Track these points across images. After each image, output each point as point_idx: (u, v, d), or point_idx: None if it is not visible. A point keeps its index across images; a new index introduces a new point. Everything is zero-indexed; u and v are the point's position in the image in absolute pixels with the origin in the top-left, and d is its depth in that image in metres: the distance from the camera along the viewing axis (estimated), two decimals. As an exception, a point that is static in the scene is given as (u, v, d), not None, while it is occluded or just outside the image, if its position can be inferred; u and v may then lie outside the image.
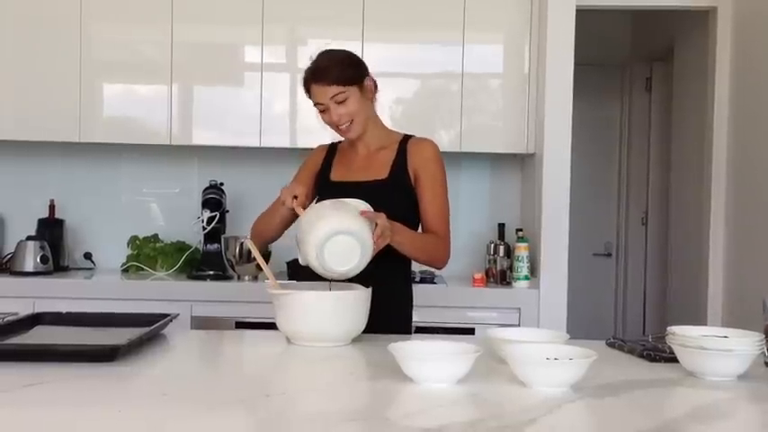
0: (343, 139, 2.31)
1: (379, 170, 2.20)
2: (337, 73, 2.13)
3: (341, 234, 1.86)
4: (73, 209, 3.74)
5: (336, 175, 2.25)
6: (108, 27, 3.51)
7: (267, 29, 3.45)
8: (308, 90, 2.17)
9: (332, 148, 2.34)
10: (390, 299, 2.14)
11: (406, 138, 2.26)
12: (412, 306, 2.27)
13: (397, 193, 2.17)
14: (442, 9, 3.46)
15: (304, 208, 2.03)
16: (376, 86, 2.22)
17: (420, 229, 2.21)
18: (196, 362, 1.87)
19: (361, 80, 2.16)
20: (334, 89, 2.12)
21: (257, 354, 1.93)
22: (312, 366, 1.71)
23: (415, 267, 3.52)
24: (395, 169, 2.19)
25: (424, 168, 2.19)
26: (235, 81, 3.56)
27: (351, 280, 1.97)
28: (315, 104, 2.17)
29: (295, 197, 2.02)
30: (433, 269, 3.15)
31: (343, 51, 2.22)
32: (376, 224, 1.93)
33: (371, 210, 1.98)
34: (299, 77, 3.44)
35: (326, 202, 2.00)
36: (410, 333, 2.24)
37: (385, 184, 2.18)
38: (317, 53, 2.20)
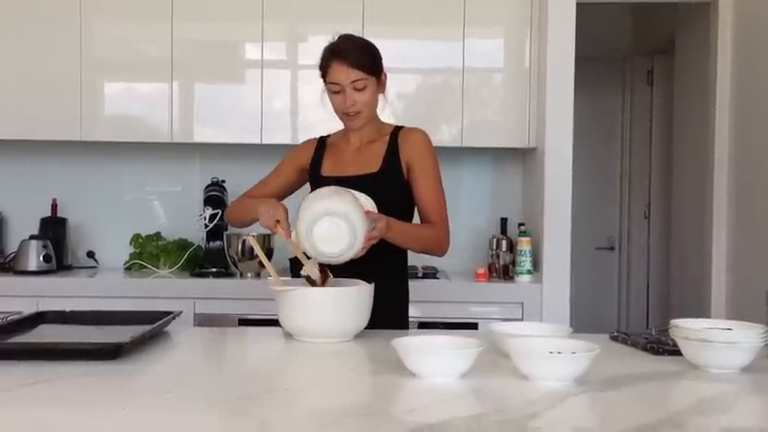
0: (330, 134, 2.30)
1: (372, 163, 2.19)
2: (362, 59, 2.12)
3: (334, 216, 1.87)
4: (75, 207, 3.75)
5: (327, 170, 2.23)
6: (108, 25, 3.50)
7: (267, 26, 3.45)
8: (326, 68, 2.14)
9: (320, 144, 2.30)
10: (387, 294, 2.14)
11: (397, 129, 2.25)
12: (408, 301, 2.27)
13: (390, 185, 2.17)
14: (443, 4, 3.45)
15: (287, 229, 2.00)
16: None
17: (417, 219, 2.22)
18: (199, 359, 1.88)
19: (380, 73, 2.17)
20: (356, 74, 2.11)
21: (260, 350, 1.94)
22: (315, 362, 1.71)
23: (418, 263, 3.54)
24: (387, 161, 2.18)
25: (416, 159, 2.19)
26: (235, 78, 3.55)
27: (350, 275, 1.97)
28: (329, 84, 2.14)
29: (277, 221, 2.00)
30: (435, 257, 3.13)
31: (368, 40, 2.22)
32: (374, 227, 1.93)
33: (375, 210, 1.98)
34: (300, 74, 3.52)
35: (330, 187, 1.99)
36: (407, 328, 2.24)
37: (378, 176, 2.17)
38: (338, 34, 2.18)
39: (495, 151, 3.75)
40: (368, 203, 2.00)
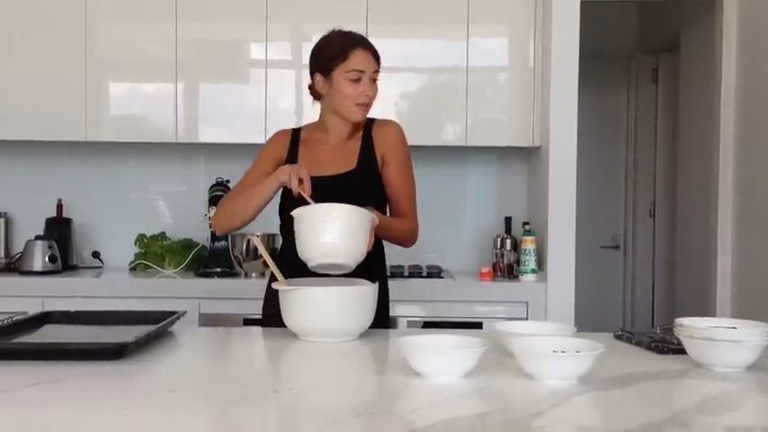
0: (301, 126, 2.29)
1: (348, 161, 2.18)
2: (377, 52, 2.17)
3: (344, 266, 1.92)
4: (80, 208, 3.75)
5: None
6: (113, 26, 3.51)
7: (271, 25, 3.45)
8: (346, 54, 2.12)
9: (294, 137, 2.26)
10: None
11: (369, 122, 2.24)
12: (389, 298, 2.27)
13: (367, 182, 2.17)
14: (446, 3, 3.45)
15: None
16: None
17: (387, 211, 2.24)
18: (204, 359, 1.88)
19: None
20: (376, 65, 2.15)
21: (265, 350, 1.94)
22: (320, 362, 1.71)
23: (422, 263, 3.54)
24: (363, 158, 2.19)
25: (391, 152, 2.21)
26: (240, 78, 3.56)
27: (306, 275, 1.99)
28: (352, 71, 2.11)
29: (300, 179, 1.99)
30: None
31: None
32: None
33: (376, 221, 1.98)
34: (304, 74, 3.49)
35: (345, 211, 1.92)
36: (388, 325, 2.25)
37: (355, 174, 2.17)
38: (333, 29, 2.21)
39: (499, 150, 3.74)
40: (374, 220, 1.98)
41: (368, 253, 1.98)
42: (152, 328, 1.79)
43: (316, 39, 3.63)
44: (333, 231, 1.89)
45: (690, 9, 3.99)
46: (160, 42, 3.48)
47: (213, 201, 3.47)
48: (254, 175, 2.22)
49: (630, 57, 5.09)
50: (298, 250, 1.95)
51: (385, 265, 2.30)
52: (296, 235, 1.96)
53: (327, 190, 2.02)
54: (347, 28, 2.23)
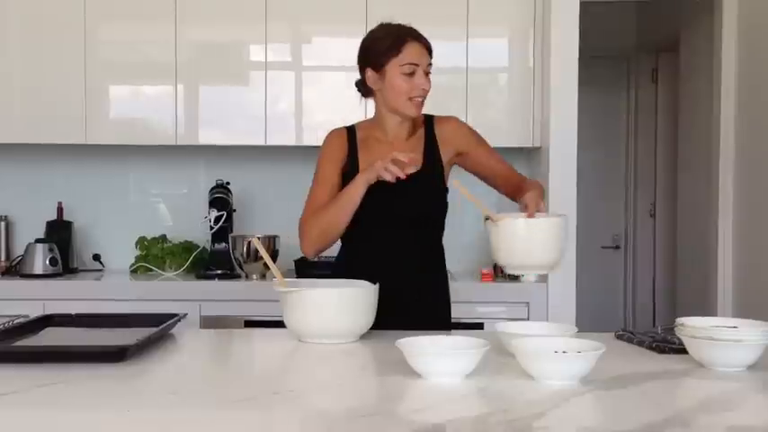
0: (354, 125, 2.21)
1: (414, 160, 2.09)
2: (430, 45, 2.12)
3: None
4: (81, 211, 3.75)
5: None
6: (112, 28, 3.51)
7: (271, 27, 3.45)
8: (399, 48, 2.06)
9: (351, 138, 2.16)
10: (434, 293, 2.12)
11: (428, 120, 2.20)
12: (450, 300, 2.25)
13: (434, 181, 2.13)
14: (446, 4, 3.45)
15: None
16: None
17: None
18: (205, 361, 1.88)
19: None
20: (429, 58, 2.10)
21: (266, 352, 1.94)
22: (320, 363, 1.71)
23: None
24: (429, 156, 2.14)
25: (471, 144, 2.20)
26: (240, 80, 3.56)
27: (395, 275, 2.01)
28: (406, 65, 2.06)
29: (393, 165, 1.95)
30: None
31: None
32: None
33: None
34: (304, 75, 3.51)
35: (542, 225, 1.96)
36: (450, 327, 2.21)
37: (423, 174, 2.09)
38: (380, 22, 2.17)
39: (499, 151, 3.72)
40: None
41: (426, 253, 2.02)
42: (153, 330, 1.79)
43: (315, 40, 3.65)
44: (547, 250, 1.94)
45: (690, 9, 3.99)
46: (160, 45, 3.48)
47: (213, 203, 3.47)
48: (326, 183, 2.12)
49: (630, 57, 5.10)
50: (496, 255, 1.97)
51: (444, 265, 2.25)
52: (497, 240, 1.97)
53: (397, 191, 1.98)
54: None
